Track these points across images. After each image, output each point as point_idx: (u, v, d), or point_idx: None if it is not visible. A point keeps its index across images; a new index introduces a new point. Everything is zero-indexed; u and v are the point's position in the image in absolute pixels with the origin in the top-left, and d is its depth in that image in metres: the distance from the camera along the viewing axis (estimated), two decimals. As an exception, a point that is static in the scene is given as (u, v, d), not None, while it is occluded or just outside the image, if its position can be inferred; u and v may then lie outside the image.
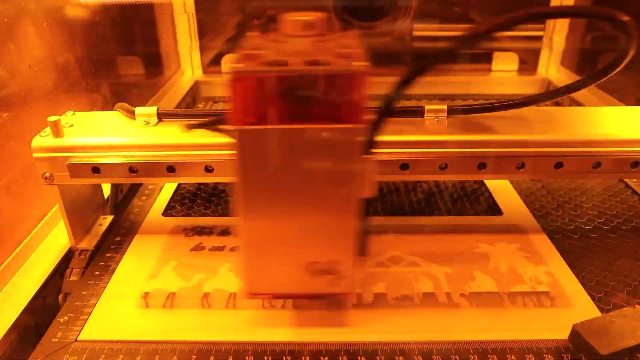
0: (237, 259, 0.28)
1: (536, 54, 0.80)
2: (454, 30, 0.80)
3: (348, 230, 0.28)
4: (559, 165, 0.36)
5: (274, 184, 0.26)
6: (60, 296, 0.36)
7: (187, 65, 0.80)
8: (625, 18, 0.29)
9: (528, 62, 0.81)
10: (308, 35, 0.28)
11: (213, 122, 0.37)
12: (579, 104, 0.69)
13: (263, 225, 0.27)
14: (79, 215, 0.40)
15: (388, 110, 0.29)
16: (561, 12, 0.43)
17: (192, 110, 0.70)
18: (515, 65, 0.81)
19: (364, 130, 0.25)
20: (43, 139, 0.36)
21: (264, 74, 0.24)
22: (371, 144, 0.29)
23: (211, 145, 0.36)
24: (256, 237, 0.28)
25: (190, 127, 0.37)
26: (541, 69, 0.80)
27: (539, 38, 0.79)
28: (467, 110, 0.38)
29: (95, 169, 0.36)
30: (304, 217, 0.27)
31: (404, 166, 0.35)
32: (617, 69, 0.33)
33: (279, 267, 0.28)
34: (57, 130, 0.36)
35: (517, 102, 0.38)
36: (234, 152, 0.25)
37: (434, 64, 0.28)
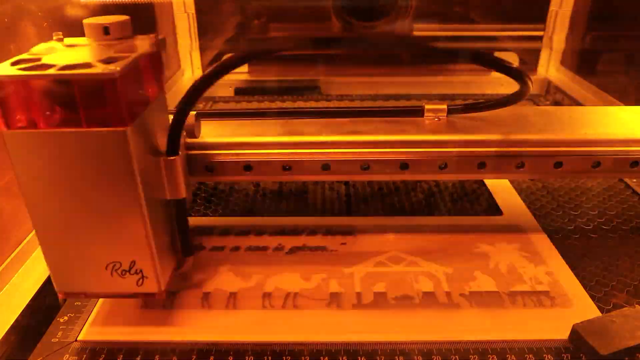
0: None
1: (536, 54, 0.80)
2: (454, 30, 0.80)
3: (140, 231, 0.28)
4: (558, 164, 0.36)
5: (56, 187, 0.27)
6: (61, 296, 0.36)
7: (187, 65, 0.80)
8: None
9: (528, 62, 0.81)
10: (107, 39, 0.29)
11: None
12: (578, 103, 0.69)
13: (54, 228, 0.28)
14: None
15: (187, 111, 0.30)
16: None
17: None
18: (515, 65, 0.81)
19: (134, 132, 0.26)
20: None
21: (13, 78, 0.24)
22: (174, 145, 0.30)
23: (212, 145, 0.36)
24: (52, 239, 0.28)
25: None
26: (541, 69, 0.80)
27: (539, 38, 0.79)
28: (467, 108, 0.38)
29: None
30: (94, 219, 0.28)
31: (404, 166, 0.35)
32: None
33: (83, 268, 0.29)
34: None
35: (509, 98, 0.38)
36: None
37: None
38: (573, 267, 0.36)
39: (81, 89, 0.24)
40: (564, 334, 0.30)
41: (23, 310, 0.34)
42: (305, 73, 0.79)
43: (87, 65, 0.25)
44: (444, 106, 0.38)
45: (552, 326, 0.31)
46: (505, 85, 0.78)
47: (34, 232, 0.40)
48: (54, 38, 0.30)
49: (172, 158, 0.30)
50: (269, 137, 0.36)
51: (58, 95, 0.25)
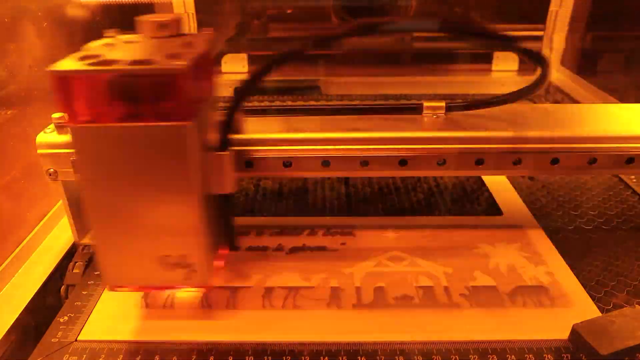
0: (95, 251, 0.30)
1: (536, 54, 0.80)
2: (454, 30, 0.80)
3: (194, 226, 0.28)
4: (555, 161, 0.36)
5: (116, 180, 0.27)
6: (63, 289, 0.36)
7: (187, 65, 0.80)
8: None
9: (528, 62, 0.81)
10: (163, 35, 0.29)
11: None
12: (577, 102, 0.69)
13: (111, 221, 0.28)
14: (82, 211, 0.40)
15: (237, 108, 0.31)
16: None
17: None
18: (515, 65, 0.81)
19: (194, 127, 0.26)
20: (47, 136, 0.36)
21: (85, 73, 0.24)
22: (225, 141, 0.30)
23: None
24: (107, 232, 0.28)
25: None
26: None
27: (539, 38, 0.79)
28: (466, 106, 0.38)
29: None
30: (149, 212, 0.28)
31: (403, 162, 0.36)
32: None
33: (135, 261, 0.29)
34: (61, 127, 0.36)
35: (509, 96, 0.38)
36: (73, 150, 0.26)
37: (287, 59, 0.30)
38: (573, 267, 0.36)
39: (149, 84, 0.24)
40: (564, 334, 0.30)
41: (23, 310, 0.34)
42: (306, 73, 0.79)
43: (152, 60, 0.25)
44: (443, 104, 0.38)
45: (552, 326, 0.31)
46: (507, 85, 0.78)
47: (34, 232, 0.40)
48: (106, 35, 0.30)
49: (223, 153, 0.30)
50: (269, 134, 0.36)
51: (125, 90, 0.25)
